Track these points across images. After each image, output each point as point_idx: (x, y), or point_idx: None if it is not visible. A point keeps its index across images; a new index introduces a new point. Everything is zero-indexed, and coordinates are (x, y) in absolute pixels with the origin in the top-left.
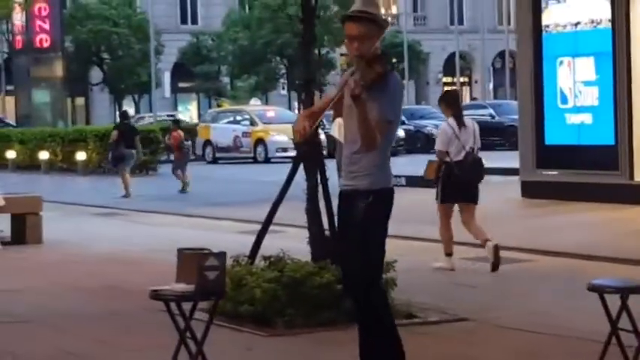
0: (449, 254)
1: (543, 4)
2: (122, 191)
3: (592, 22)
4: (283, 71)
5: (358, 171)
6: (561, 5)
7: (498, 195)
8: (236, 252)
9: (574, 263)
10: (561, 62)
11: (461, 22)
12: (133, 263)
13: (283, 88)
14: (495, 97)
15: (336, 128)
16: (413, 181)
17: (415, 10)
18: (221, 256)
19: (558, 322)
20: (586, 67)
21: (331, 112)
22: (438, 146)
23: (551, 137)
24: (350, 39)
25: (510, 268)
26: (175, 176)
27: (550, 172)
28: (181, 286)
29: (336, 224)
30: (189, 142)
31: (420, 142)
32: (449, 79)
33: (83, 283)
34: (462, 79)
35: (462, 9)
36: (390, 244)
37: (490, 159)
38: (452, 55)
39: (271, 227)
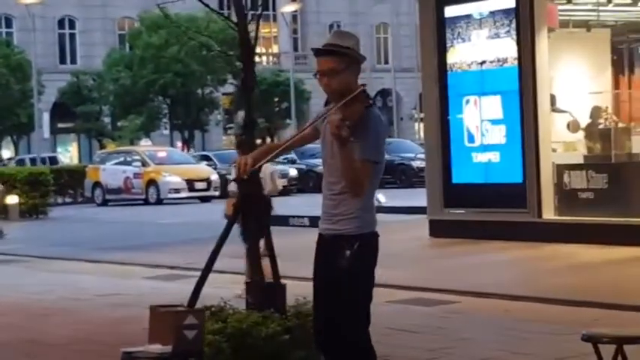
0: None
1: (448, 43)
2: None
3: (498, 60)
4: (166, 111)
5: (342, 214)
6: (467, 44)
7: (406, 234)
8: (149, 299)
9: (500, 304)
10: (467, 101)
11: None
12: (47, 314)
13: (166, 128)
14: None
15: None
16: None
17: (296, 49)
18: (199, 313)
19: None
20: (492, 106)
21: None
22: (233, 187)
23: (459, 176)
24: (320, 74)
25: (440, 310)
26: None
27: (457, 211)
28: (157, 347)
29: (314, 272)
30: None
31: (312, 181)
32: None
33: None
34: None
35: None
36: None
37: (395, 198)
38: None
39: (182, 272)
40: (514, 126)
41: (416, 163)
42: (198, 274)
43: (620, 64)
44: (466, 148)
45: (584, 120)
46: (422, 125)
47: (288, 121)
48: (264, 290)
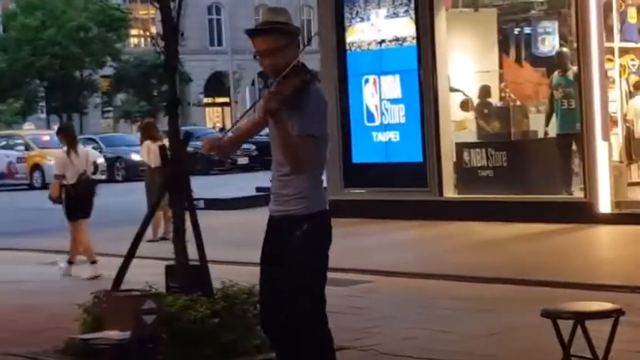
0: (93, 262)
1: (347, 23)
2: None
3: (397, 40)
4: (42, 94)
5: (289, 194)
6: (366, 23)
7: None
8: (46, 285)
9: (412, 282)
10: (367, 80)
11: (220, 43)
12: None
13: (42, 112)
14: None
15: (145, 151)
16: (213, 204)
17: None
18: (157, 297)
19: (433, 345)
20: (392, 85)
21: None
22: (55, 171)
23: (359, 155)
24: (260, 55)
25: (355, 290)
26: None
27: (358, 191)
28: (115, 334)
29: (263, 253)
30: None
31: (120, 171)
32: (210, 100)
33: None
34: (223, 100)
35: (221, 30)
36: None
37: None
38: (212, 76)
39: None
40: (413, 105)
41: None
42: (106, 259)
43: (506, 43)
44: (366, 128)
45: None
46: None
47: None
48: (190, 273)
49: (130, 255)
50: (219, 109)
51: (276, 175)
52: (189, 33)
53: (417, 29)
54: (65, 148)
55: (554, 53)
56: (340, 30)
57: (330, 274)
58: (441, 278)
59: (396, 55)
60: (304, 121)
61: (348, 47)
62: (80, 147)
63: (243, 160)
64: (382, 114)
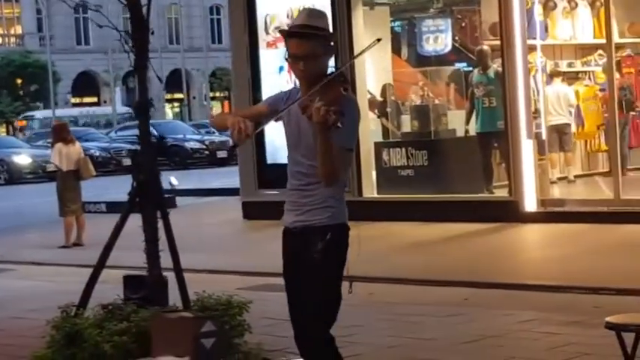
0: None
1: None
2: None
3: None
4: None
5: (312, 204)
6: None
7: (218, 217)
8: None
9: (360, 287)
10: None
11: (87, 42)
12: None
13: None
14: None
15: (56, 154)
16: (115, 208)
17: (40, 30)
18: (217, 319)
19: (418, 354)
20: None
21: None
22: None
23: (274, 156)
24: (293, 58)
25: None
26: None
27: (272, 192)
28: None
29: (284, 269)
30: None
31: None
32: (77, 100)
33: None
34: (92, 100)
35: (88, 29)
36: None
37: (185, 180)
38: (80, 75)
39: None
40: None
41: (189, 144)
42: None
43: (398, 42)
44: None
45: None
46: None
47: (38, 103)
48: (157, 284)
49: (99, 267)
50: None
51: (296, 185)
52: (56, 32)
53: (334, 25)
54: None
55: (446, 52)
56: (253, 27)
57: (265, 279)
58: (386, 282)
59: None
60: (342, 133)
61: (261, 45)
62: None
63: (128, 162)
64: None
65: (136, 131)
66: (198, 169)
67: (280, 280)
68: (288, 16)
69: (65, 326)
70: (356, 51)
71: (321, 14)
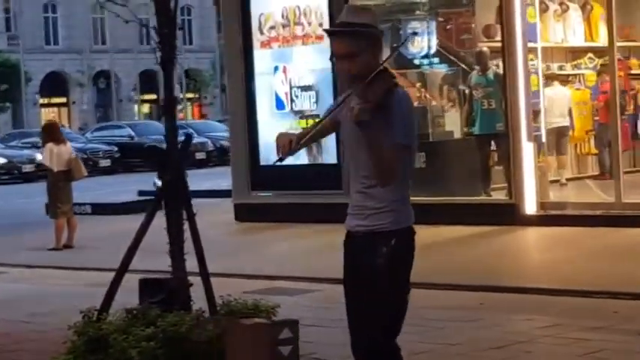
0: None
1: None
2: None
3: (310, 36)
4: None
5: (374, 207)
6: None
7: (210, 219)
8: None
9: None
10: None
11: (56, 42)
12: None
13: None
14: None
15: (47, 154)
16: (101, 209)
17: (9, 29)
18: (294, 325)
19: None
20: (306, 92)
21: None
22: None
23: (268, 158)
24: (337, 58)
25: (312, 299)
26: None
27: (265, 194)
28: None
29: (345, 275)
30: None
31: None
32: (45, 100)
33: None
34: (60, 100)
35: (57, 29)
36: None
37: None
38: (48, 76)
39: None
40: (327, 106)
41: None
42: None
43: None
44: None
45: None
46: (140, 107)
47: (7, 104)
48: (181, 288)
49: (122, 270)
50: (56, 109)
51: (359, 187)
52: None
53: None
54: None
55: (429, 54)
56: (247, 28)
57: (268, 283)
58: None
59: (309, 53)
60: (394, 129)
61: (254, 45)
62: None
63: (105, 163)
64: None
65: (112, 132)
66: None
67: (287, 284)
68: (283, 16)
69: (88, 331)
70: None
71: (362, 10)
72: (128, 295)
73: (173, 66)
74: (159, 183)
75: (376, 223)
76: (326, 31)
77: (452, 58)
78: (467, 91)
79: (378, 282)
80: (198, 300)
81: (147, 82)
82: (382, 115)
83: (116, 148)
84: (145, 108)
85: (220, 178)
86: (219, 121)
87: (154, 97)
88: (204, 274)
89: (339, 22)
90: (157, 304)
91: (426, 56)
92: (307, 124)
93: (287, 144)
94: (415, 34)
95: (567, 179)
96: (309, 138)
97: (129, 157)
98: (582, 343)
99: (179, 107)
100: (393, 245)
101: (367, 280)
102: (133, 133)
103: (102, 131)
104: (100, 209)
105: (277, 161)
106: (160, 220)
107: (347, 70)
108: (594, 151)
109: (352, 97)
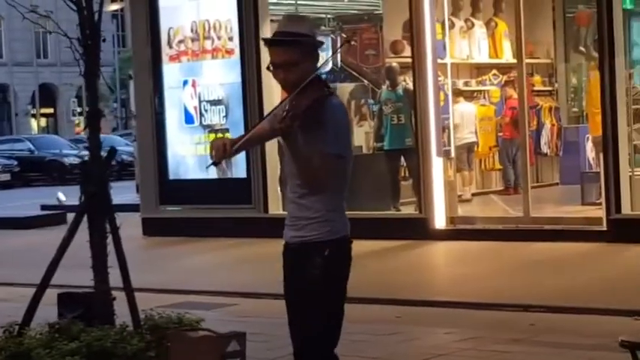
0: None
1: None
2: None
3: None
4: None
5: (308, 218)
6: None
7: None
8: None
9: (280, 304)
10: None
11: (45, 55)
12: None
13: None
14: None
15: None
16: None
17: None
18: (242, 338)
19: None
20: (216, 103)
21: None
22: None
23: (177, 172)
24: (274, 67)
25: (228, 313)
26: None
27: (174, 208)
28: None
29: (285, 287)
30: None
31: None
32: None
33: None
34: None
35: (47, 42)
36: None
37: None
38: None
39: None
40: (237, 120)
41: (68, 160)
42: None
43: None
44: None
45: None
46: (37, 121)
47: None
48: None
49: (44, 286)
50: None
51: (292, 198)
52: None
53: (241, 39)
54: None
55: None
56: (155, 41)
57: (180, 297)
58: None
59: (219, 67)
60: (322, 138)
61: (164, 59)
62: None
63: (4, 177)
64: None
65: (11, 145)
66: (77, 185)
67: (200, 298)
68: (192, 30)
69: (10, 346)
70: (263, 64)
71: (299, 19)
72: (45, 310)
73: (97, 78)
74: (62, 198)
75: (310, 233)
76: (265, 40)
77: (354, 74)
78: (376, 107)
79: (313, 293)
80: (119, 314)
81: (45, 95)
82: (312, 125)
83: (15, 162)
84: (43, 122)
85: (122, 192)
86: (121, 136)
87: (51, 110)
88: (128, 287)
89: (278, 32)
90: (77, 319)
91: (332, 72)
92: (216, 138)
93: (221, 148)
94: (349, 41)
95: (473, 194)
96: (245, 142)
97: (28, 170)
98: (502, 356)
99: (75, 121)
100: (327, 256)
101: (303, 291)
102: (32, 147)
103: (1, 145)
104: (2, 224)
105: (211, 165)
106: (55, 234)
107: (284, 79)
108: (498, 166)
109: (284, 105)
